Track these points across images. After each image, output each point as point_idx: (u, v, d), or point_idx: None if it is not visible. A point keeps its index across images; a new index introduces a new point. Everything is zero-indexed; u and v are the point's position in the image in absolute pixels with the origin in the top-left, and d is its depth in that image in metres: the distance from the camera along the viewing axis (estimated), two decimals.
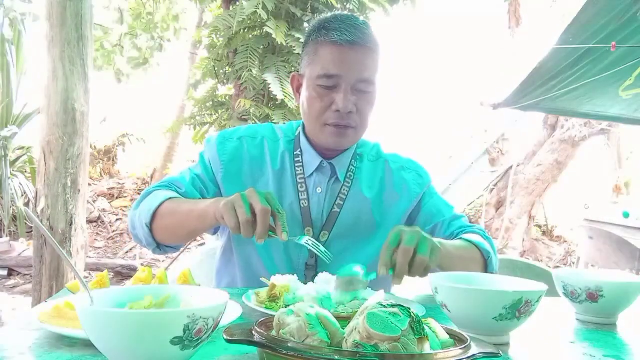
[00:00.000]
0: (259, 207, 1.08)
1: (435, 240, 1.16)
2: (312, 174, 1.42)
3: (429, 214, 1.49)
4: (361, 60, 1.31)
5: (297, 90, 1.43)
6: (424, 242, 1.09)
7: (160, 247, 1.34)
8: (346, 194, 1.42)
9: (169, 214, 1.27)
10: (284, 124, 1.54)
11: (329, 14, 1.40)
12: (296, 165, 1.43)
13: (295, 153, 1.44)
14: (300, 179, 1.41)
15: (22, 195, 6.41)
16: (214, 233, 1.51)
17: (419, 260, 1.08)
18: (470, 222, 1.50)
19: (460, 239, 1.39)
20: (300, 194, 1.40)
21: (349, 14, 1.39)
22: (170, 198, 1.30)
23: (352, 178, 1.44)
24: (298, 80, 1.43)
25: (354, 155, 1.47)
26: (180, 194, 1.36)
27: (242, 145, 1.45)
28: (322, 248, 1.20)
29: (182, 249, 3.18)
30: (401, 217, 1.47)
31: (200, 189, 1.41)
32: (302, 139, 1.45)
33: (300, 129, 1.47)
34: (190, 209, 1.25)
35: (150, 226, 1.29)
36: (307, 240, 1.19)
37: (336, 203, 1.41)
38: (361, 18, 1.39)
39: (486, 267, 1.37)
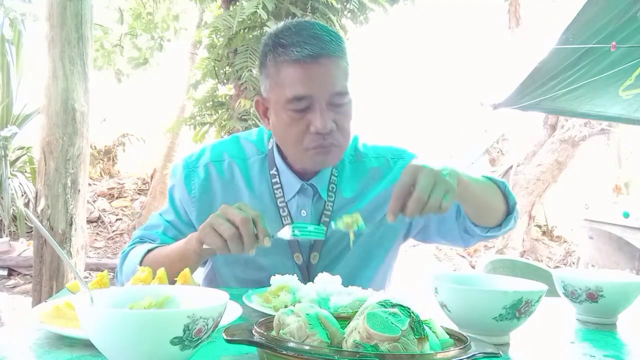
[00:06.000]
0: (239, 218, 1.04)
1: (453, 171, 1.09)
2: (293, 197, 1.32)
3: None
4: (330, 73, 1.19)
5: (265, 114, 1.30)
6: (440, 185, 1.02)
7: None
8: (330, 209, 1.32)
9: (152, 266, 1.21)
10: (254, 133, 1.42)
11: (280, 25, 1.25)
12: (274, 187, 1.32)
13: (271, 173, 1.33)
14: (280, 202, 1.31)
15: (22, 195, 6.42)
16: (203, 265, 1.45)
17: (432, 204, 1.01)
18: None
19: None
20: (283, 218, 1.30)
21: (303, 20, 1.26)
22: (149, 250, 1.25)
23: (334, 191, 1.34)
24: (263, 104, 1.30)
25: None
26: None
27: (209, 174, 1.34)
28: (309, 228, 1.14)
29: None
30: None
31: (175, 235, 1.34)
32: (277, 157, 1.33)
33: (273, 142, 1.35)
34: (168, 254, 1.21)
35: None
36: (292, 232, 1.12)
37: (322, 221, 1.31)
38: (321, 22, 1.29)
39: (506, 198, 1.30)
